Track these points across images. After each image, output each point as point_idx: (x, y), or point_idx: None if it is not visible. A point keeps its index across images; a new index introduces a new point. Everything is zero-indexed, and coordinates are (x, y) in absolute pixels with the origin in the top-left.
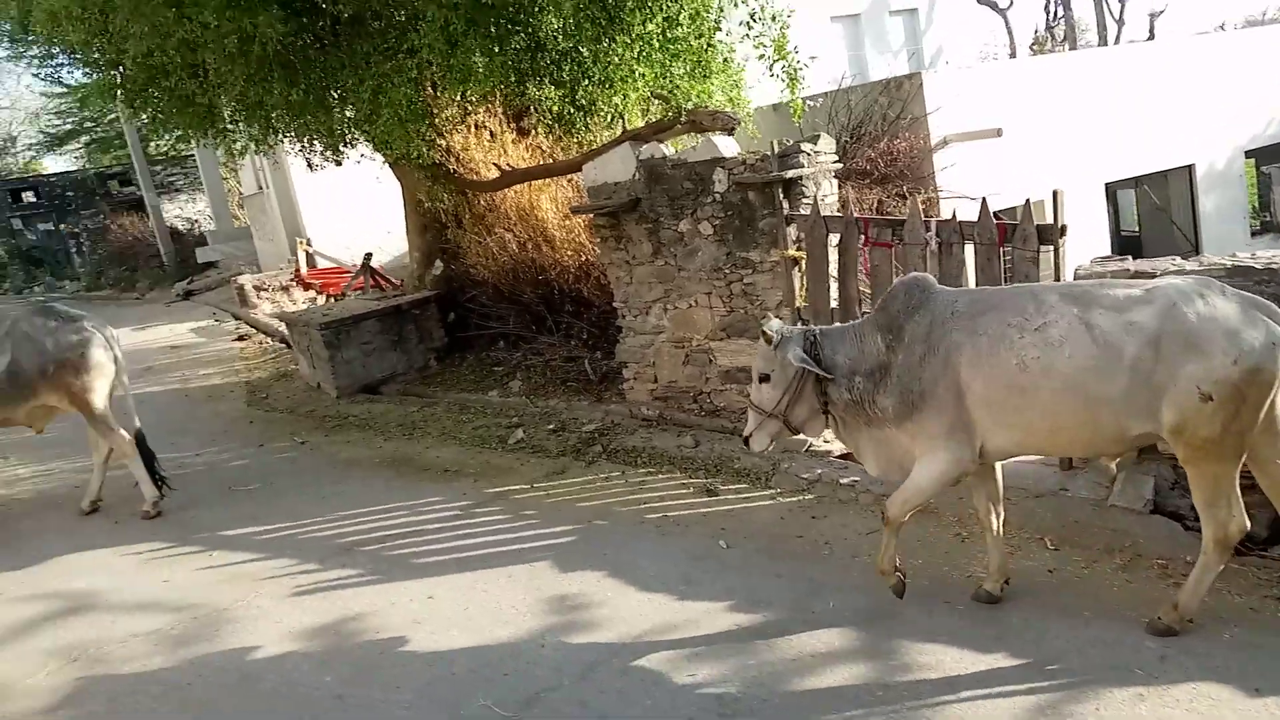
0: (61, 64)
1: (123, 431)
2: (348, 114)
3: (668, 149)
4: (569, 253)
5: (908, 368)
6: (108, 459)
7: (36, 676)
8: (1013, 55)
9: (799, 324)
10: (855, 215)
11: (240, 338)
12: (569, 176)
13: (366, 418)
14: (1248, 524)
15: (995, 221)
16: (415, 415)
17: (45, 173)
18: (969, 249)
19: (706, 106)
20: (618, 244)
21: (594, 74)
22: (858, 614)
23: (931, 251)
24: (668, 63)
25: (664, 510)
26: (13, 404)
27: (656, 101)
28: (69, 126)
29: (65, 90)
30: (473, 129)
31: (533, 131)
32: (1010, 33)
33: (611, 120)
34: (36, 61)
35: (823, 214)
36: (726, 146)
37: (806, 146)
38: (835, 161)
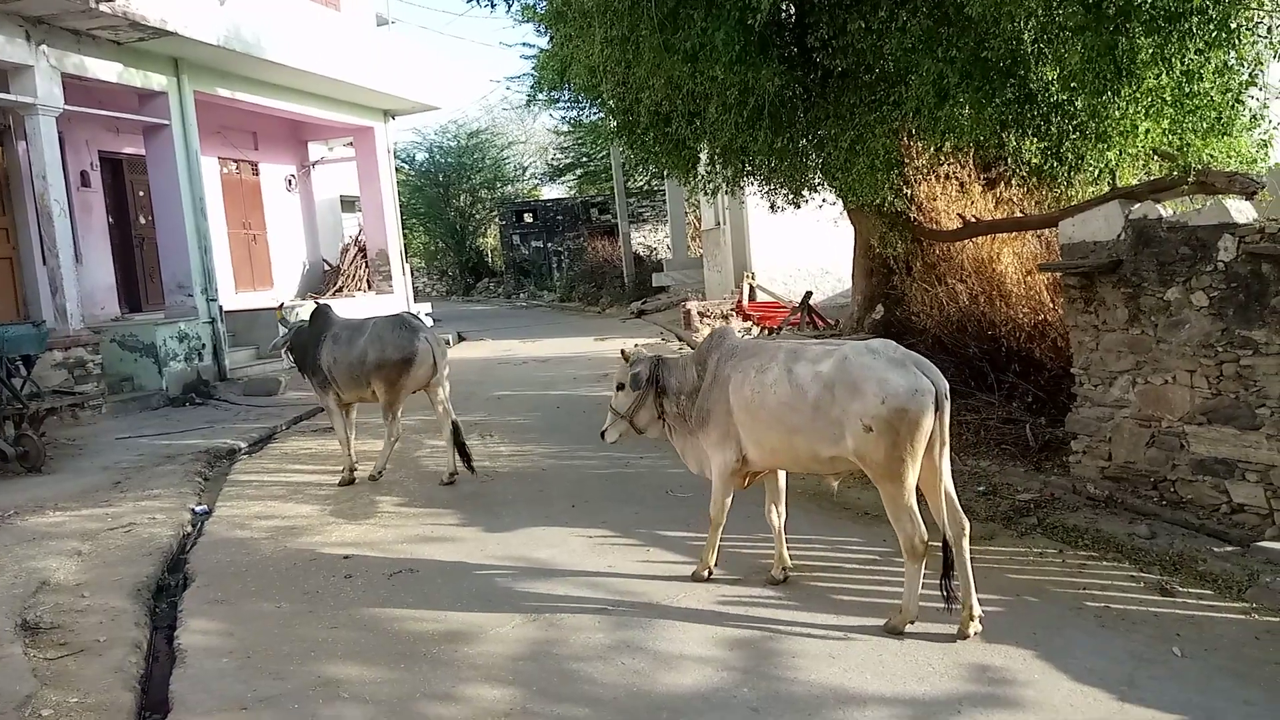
0: (583, 107)
1: (400, 425)
2: (816, 160)
3: (1164, 210)
4: (1024, 310)
5: (704, 391)
6: (451, 440)
7: (505, 627)
8: None
9: None
10: None
11: None
12: (1039, 232)
13: None
14: (926, 535)
15: None
16: None
17: (543, 198)
18: None
19: (1221, 166)
20: (1086, 306)
21: (1088, 128)
22: None
23: None
24: (1181, 119)
25: (1106, 601)
26: (358, 386)
27: (1156, 159)
28: (569, 160)
29: (571, 130)
30: (940, 179)
31: (1001, 183)
32: None
33: (1098, 176)
34: (559, 106)
35: None
36: (1240, 211)
37: None
38: None
